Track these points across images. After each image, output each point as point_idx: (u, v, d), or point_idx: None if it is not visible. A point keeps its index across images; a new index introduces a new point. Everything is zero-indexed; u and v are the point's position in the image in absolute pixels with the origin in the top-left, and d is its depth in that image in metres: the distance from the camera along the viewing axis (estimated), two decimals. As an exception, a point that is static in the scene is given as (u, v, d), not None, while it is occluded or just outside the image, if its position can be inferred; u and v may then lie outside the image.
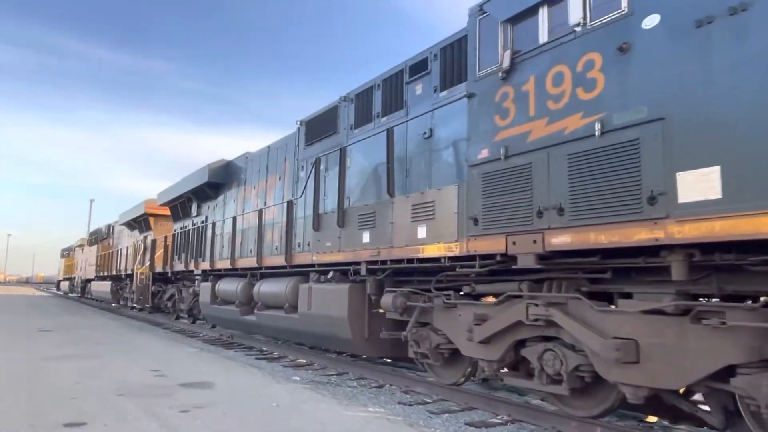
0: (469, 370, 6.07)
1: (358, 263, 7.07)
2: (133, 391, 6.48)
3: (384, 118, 7.72)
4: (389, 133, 6.62)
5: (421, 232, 5.95)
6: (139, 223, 20.82)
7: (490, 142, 5.22)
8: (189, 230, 14.67)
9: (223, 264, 11.51)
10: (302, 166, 9.85)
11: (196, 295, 13.30)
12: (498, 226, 5.00)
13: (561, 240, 4.41)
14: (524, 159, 4.83)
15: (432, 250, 5.76)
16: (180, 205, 16.11)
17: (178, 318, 16.34)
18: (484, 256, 5.25)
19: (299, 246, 8.96)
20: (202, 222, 14.36)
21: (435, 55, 6.88)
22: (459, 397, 6.07)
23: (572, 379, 4.63)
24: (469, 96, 5.62)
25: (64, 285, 42.73)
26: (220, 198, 13.53)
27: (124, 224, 23.18)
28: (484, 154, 5.27)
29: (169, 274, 15.21)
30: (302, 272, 8.77)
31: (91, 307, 25.86)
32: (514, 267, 5.09)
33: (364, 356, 8.99)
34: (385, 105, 7.73)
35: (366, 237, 6.86)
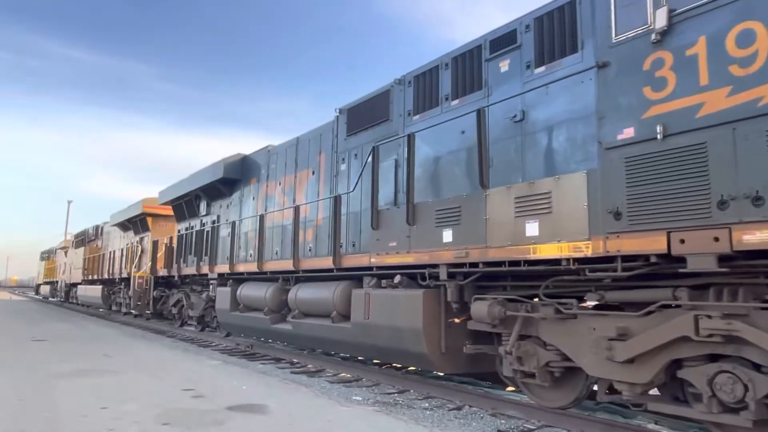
0: (584, 392, 5.16)
1: (435, 266, 6.12)
2: (177, 419, 5.43)
3: (455, 101, 6.79)
4: (480, 114, 5.69)
5: (531, 229, 5.02)
6: (135, 223, 19.55)
7: (638, 119, 4.32)
8: (199, 231, 13.52)
9: (246, 267, 10.43)
10: (343, 159, 8.87)
11: (210, 300, 12.18)
12: (655, 220, 4.10)
13: (760, 237, 3.52)
14: (694, 138, 3.94)
15: (548, 251, 4.84)
16: (186, 204, 14.95)
17: (182, 325, 15.16)
18: (627, 258, 4.35)
19: (351, 246, 7.97)
20: (214, 222, 13.24)
21: (527, 27, 5.97)
22: (570, 423, 5.15)
23: (760, 408, 3.74)
24: (601, 66, 4.71)
25: (45, 289, 40.85)
26: (236, 195, 12.45)
27: (116, 225, 21.84)
28: (628, 133, 4.37)
29: (176, 278, 14.05)
30: (351, 276, 7.78)
31: (78, 313, 24.36)
32: (665, 271, 4.21)
33: (422, 370, 8.02)
34: (457, 86, 6.80)
35: (448, 236, 5.92)
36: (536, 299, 5.46)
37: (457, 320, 6.23)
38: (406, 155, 7.45)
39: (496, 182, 6.05)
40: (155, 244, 15.78)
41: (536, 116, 5.74)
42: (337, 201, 7.82)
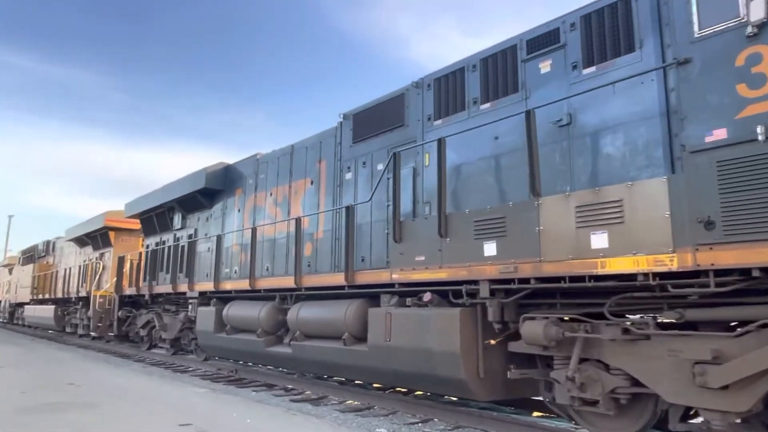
0: (652, 420, 4.69)
1: (473, 282, 5.57)
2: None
3: (486, 105, 6.33)
4: (530, 117, 5.21)
5: (598, 240, 4.55)
6: (95, 238, 18.20)
7: (731, 119, 3.94)
8: (175, 245, 12.54)
9: (235, 285, 9.60)
10: (348, 167, 8.27)
11: (187, 321, 11.21)
12: (758, 230, 3.69)
13: None
14: (805, 139, 3.57)
15: (621, 265, 4.37)
16: (157, 217, 13.92)
17: (150, 348, 14.00)
18: (718, 272, 3.92)
19: (360, 261, 7.34)
20: (191, 236, 12.31)
21: (572, 25, 5.59)
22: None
23: None
24: (681, 63, 4.33)
25: (-16, 310, 37.90)
26: (217, 207, 11.60)
27: (71, 240, 20.33)
28: (719, 135, 3.98)
29: (146, 297, 12.96)
30: (363, 294, 7.13)
31: (26, 336, 22.49)
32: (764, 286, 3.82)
33: (432, 395, 7.42)
34: (487, 89, 6.36)
35: (490, 249, 5.38)
36: (592, 318, 4.99)
37: (492, 341, 5.70)
38: (426, 162, 6.95)
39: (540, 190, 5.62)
40: (120, 260, 14.61)
41: (586, 120, 5.33)
42: (349, 212, 7.18)
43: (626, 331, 4.61)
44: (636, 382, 4.59)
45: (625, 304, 4.74)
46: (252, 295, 9.34)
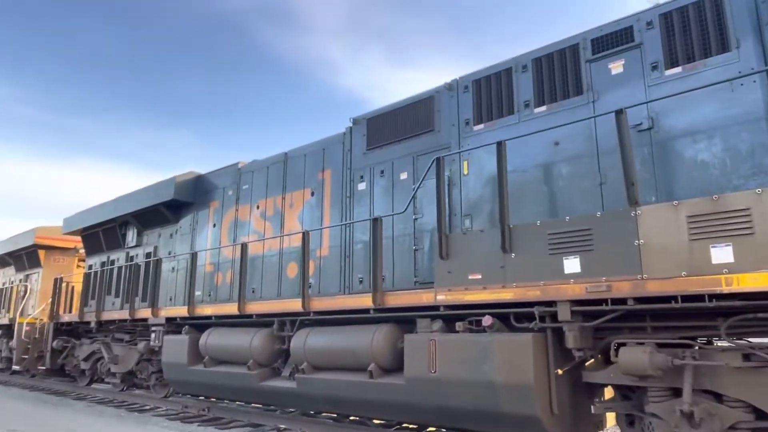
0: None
1: (549, 303, 4.89)
2: None
3: (541, 108, 5.78)
4: (621, 117, 4.65)
5: (721, 254, 4.01)
6: (19, 257, 16.00)
7: None
8: (128, 266, 11.03)
9: (218, 309, 8.37)
10: (361, 176, 7.45)
11: (148, 352, 9.73)
12: None
13: None
14: None
15: (757, 281, 3.84)
16: (104, 234, 12.32)
17: (91, 383, 12.20)
18: None
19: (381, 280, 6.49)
20: (149, 254, 10.89)
21: (648, 24, 5.17)
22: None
23: None
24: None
25: None
26: (185, 222, 10.32)
27: (-12, 260, 17.83)
28: None
29: (92, 324, 11.25)
30: (392, 318, 6.27)
31: None
32: None
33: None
34: (542, 91, 5.81)
35: (572, 265, 4.73)
36: (701, 342, 4.44)
37: (560, 371, 5.03)
38: (465, 171, 6.28)
39: (612, 201, 5.08)
40: (57, 282, 12.76)
41: (672, 124, 4.88)
42: (377, 224, 6.32)
43: (746, 357, 4.08)
44: (762, 415, 4.04)
45: (739, 326, 4.22)
46: (235, 321, 8.16)
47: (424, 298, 5.78)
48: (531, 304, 5.00)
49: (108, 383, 11.50)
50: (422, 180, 6.04)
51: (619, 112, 4.67)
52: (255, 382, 7.45)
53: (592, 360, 5.14)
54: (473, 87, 6.41)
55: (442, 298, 5.59)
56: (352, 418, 7.60)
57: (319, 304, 6.89)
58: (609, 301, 4.55)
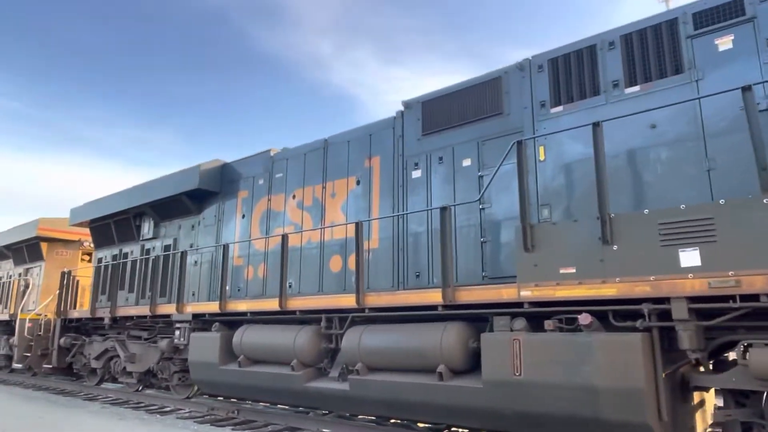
0: None
1: (660, 300, 4.42)
2: None
3: (633, 89, 5.33)
4: (747, 94, 4.20)
5: None
6: (19, 250, 15.25)
7: None
8: (145, 259, 10.41)
9: (255, 305, 7.81)
10: (416, 164, 6.94)
11: (171, 351, 9.12)
12: None
13: None
14: None
15: None
16: (116, 225, 11.67)
17: (100, 383, 11.55)
18: None
19: (414, 277, 6.01)
20: (167, 247, 10.29)
21: (764, -5, 4.72)
22: None
23: None
24: None
25: None
26: (209, 213, 9.73)
27: (-16, 252, 17.04)
28: None
29: (105, 321, 10.60)
30: (462, 316, 5.77)
31: None
32: None
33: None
34: (633, 70, 5.36)
35: (690, 258, 4.27)
36: None
37: (664, 374, 4.58)
38: (541, 157, 5.81)
39: (723, 189, 4.64)
40: (65, 276, 12.07)
41: (801, 103, 4.44)
42: (445, 215, 5.82)
43: None
44: None
45: None
46: (270, 318, 7.62)
47: (505, 293, 5.29)
48: (638, 301, 4.54)
49: (122, 383, 10.87)
50: (500, 165, 5.53)
51: (746, 89, 4.22)
52: (300, 384, 6.91)
53: (696, 362, 4.70)
54: (549, 67, 5.93)
55: (528, 294, 5.10)
56: (392, 421, 7.11)
57: (377, 299, 6.37)
58: (737, 297, 4.10)
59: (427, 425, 7.06)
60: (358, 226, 6.63)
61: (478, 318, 5.68)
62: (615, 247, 4.67)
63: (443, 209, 5.86)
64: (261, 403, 9.03)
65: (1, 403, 10.02)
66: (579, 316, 4.75)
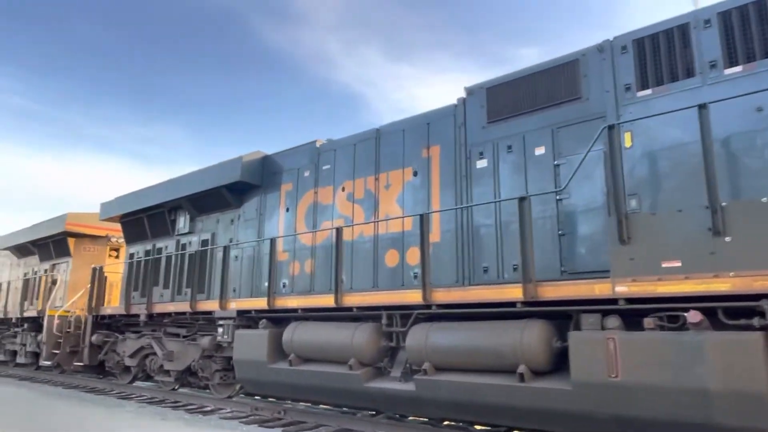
0: None
1: (777, 295, 4.05)
2: None
3: (734, 69, 4.95)
4: None
5: None
6: (45, 246, 15.04)
7: None
8: (181, 255, 10.13)
9: (306, 301, 7.49)
10: (481, 153, 6.58)
11: (213, 348, 8.81)
12: None
13: None
14: None
15: None
16: (149, 220, 11.40)
17: (133, 381, 11.29)
18: None
19: (483, 273, 5.65)
20: (204, 242, 9.99)
21: None
22: None
23: None
24: None
25: None
26: (249, 207, 9.43)
27: (9, 248, 16.87)
28: None
29: (141, 318, 10.33)
30: (538, 313, 5.41)
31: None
32: None
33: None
34: (735, 48, 4.97)
35: (821, 248, 3.90)
36: None
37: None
38: (627, 144, 5.43)
39: None
40: (98, 271, 11.81)
41: None
42: (524, 205, 5.46)
43: None
44: None
45: None
46: (322, 315, 7.30)
47: (597, 289, 4.93)
48: (756, 297, 4.17)
49: (156, 381, 10.59)
50: (588, 151, 5.16)
51: None
52: (359, 384, 6.58)
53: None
54: (634, 47, 5.56)
55: (624, 289, 4.74)
56: (445, 423, 6.77)
57: (446, 296, 6.02)
58: None
59: (486, 428, 6.74)
60: (423, 218, 6.28)
61: (558, 315, 5.32)
62: (728, 239, 4.29)
63: (522, 199, 5.51)
64: (301, 404, 8.73)
65: (40, 401, 9.77)
66: (687, 314, 4.38)
